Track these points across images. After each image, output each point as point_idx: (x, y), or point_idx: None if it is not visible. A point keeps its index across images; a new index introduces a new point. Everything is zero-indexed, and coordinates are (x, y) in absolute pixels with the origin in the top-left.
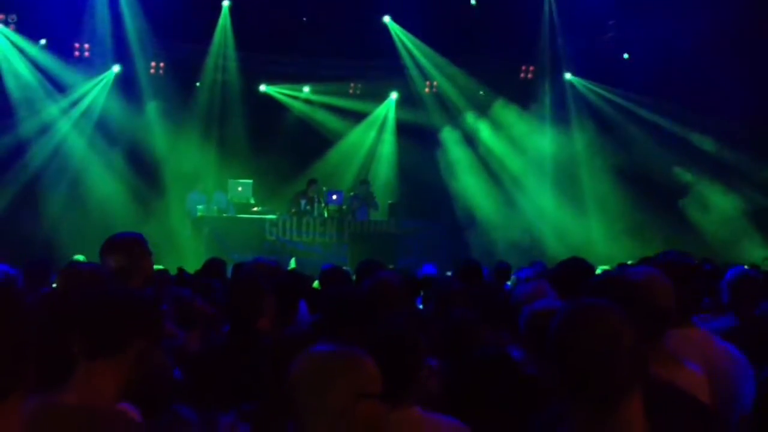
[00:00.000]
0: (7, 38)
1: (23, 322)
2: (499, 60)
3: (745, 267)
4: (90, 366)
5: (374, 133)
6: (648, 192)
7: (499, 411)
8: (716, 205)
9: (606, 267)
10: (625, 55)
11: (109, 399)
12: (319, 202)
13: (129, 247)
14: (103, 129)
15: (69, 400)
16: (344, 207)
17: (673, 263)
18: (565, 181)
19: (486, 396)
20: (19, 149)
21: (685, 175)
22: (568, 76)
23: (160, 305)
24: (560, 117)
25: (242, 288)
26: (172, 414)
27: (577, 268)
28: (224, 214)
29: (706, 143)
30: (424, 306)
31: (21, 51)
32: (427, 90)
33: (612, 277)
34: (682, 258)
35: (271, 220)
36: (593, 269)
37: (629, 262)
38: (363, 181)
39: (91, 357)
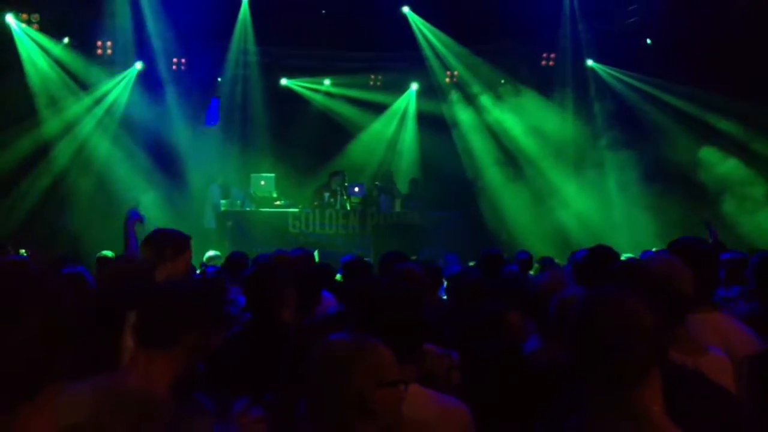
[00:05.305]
0: (31, 37)
1: (54, 309)
2: (520, 48)
3: None
4: (147, 354)
5: (395, 125)
6: (672, 178)
7: (506, 403)
8: (743, 192)
9: (630, 254)
10: (648, 41)
11: (163, 386)
12: (342, 195)
13: (164, 244)
14: (126, 126)
15: (128, 383)
16: (367, 199)
17: (686, 248)
18: (588, 168)
19: (491, 388)
20: (45, 147)
21: (710, 161)
22: (589, 62)
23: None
24: (582, 104)
25: (260, 280)
26: (193, 402)
27: (603, 255)
28: (248, 209)
29: (731, 128)
30: (448, 296)
31: (44, 50)
32: (447, 80)
33: (630, 265)
34: (695, 243)
35: (294, 213)
36: (618, 257)
37: (654, 249)
38: (386, 172)
39: (148, 346)
